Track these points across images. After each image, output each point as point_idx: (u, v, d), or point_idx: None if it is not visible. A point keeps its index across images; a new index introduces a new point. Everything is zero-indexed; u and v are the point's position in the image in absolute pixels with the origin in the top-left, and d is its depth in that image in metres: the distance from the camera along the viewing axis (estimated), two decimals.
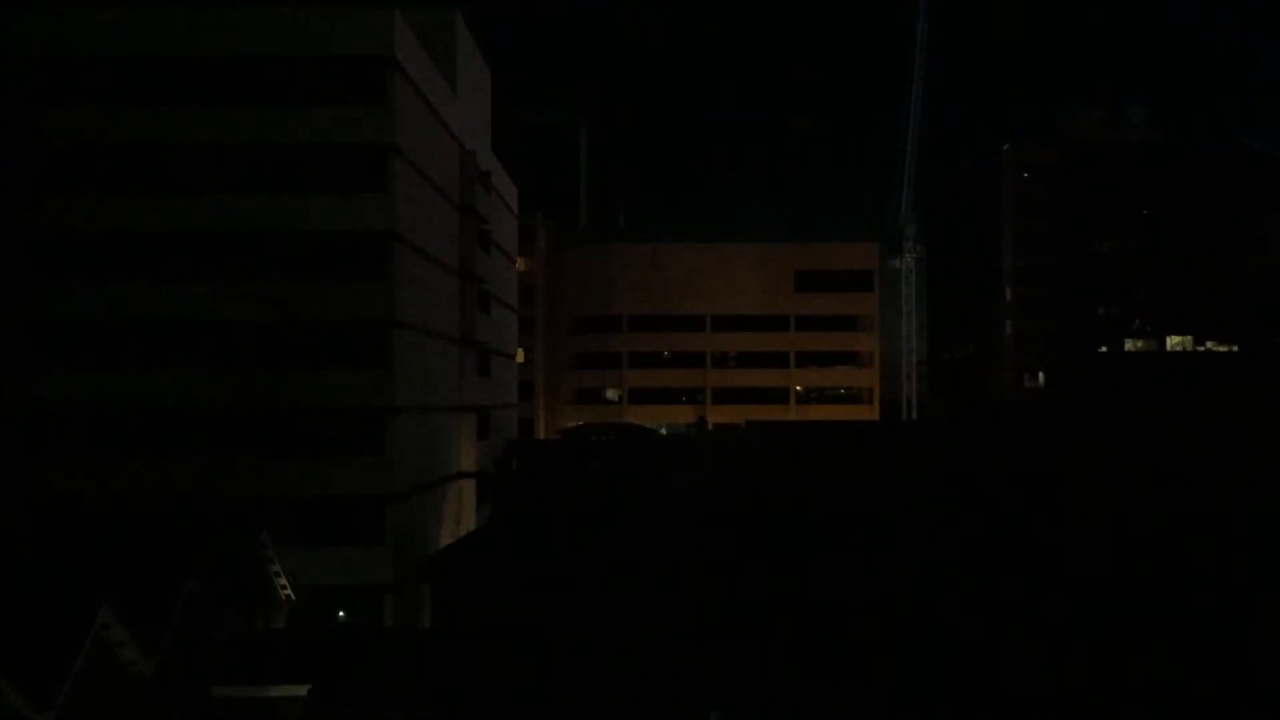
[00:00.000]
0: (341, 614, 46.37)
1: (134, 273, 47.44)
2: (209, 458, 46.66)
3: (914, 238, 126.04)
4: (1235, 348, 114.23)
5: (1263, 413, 36.31)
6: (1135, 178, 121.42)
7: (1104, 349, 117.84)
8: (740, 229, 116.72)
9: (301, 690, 31.80)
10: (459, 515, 61.66)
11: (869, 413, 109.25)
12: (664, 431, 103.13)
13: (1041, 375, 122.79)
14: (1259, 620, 28.68)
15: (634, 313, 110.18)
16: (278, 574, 38.86)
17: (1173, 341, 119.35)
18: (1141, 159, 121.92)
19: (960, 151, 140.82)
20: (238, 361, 47.24)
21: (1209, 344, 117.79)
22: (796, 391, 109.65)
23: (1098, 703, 28.38)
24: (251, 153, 47.59)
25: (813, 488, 38.86)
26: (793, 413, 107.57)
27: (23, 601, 26.01)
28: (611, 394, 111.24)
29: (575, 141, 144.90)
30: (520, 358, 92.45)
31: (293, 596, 39.75)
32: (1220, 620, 28.88)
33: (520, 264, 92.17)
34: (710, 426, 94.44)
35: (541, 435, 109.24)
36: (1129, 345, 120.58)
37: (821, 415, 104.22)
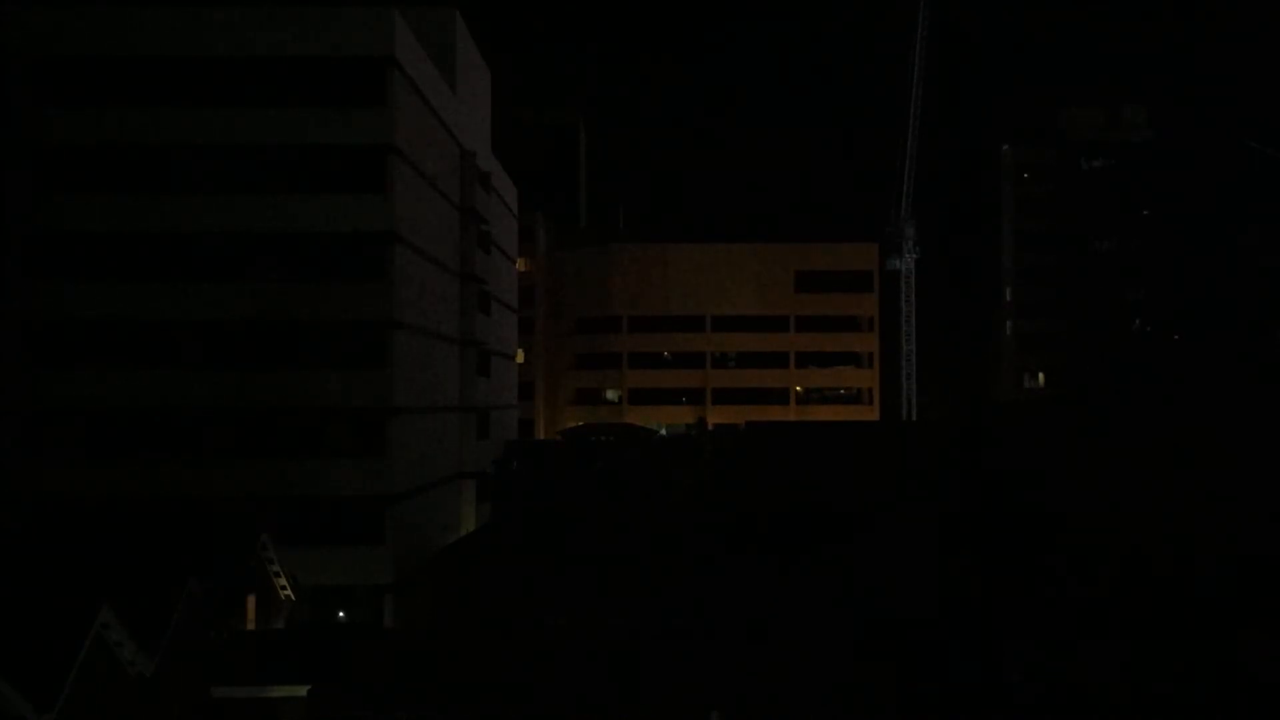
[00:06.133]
0: (341, 614, 46.37)
1: (134, 273, 47.44)
2: (209, 458, 46.66)
3: (913, 238, 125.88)
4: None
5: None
6: (1135, 178, 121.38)
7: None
8: (740, 229, 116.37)
9: (301, 690, 31.80)
10: (459, 515, 61.65)
11: (869, 413, 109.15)
12: (664, 432, 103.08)
13: (1041, 375, 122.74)
14: (1258, 621, 28.67)
15: (634, 313, 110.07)
16: (278, 574, 38.89)
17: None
18: (1141, 159, 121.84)
19: (960, 152, 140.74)
20: (238, 362, 47.23)
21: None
22: (796, 392, 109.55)
23: (1098, 703, 28.38)
24: (251, 153, 47.57)
25: (812, 487, 38.86)
26: (793, 413, 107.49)
27: (23, 601, 26.00)
28: (612, 395, 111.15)
29: (575, 141, 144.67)
30: (520, 358, 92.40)
31: (293, 597, 39.77)
32: (1221, 621, 28.88)
33: (520, 264, 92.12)
34: (710, 427, 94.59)
35: (541, 436, 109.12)
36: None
37: (821, 415, 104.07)
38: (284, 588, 39.31)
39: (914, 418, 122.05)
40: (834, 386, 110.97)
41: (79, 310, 47.12)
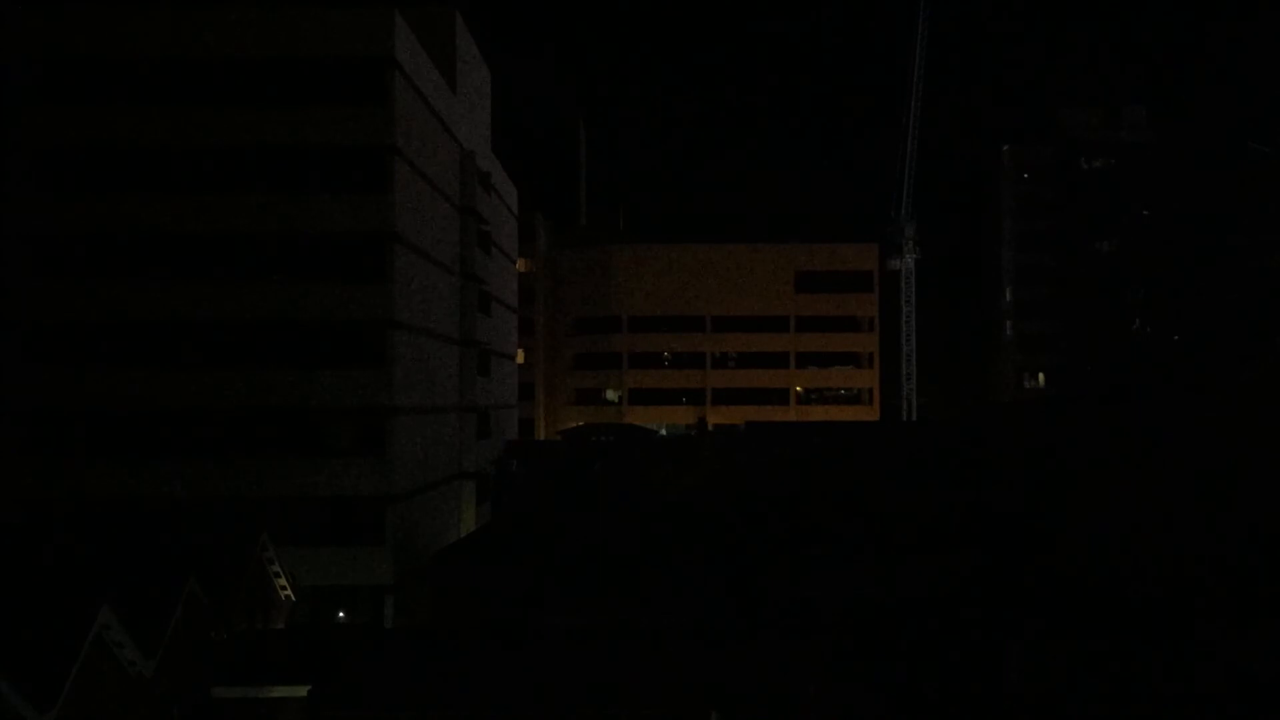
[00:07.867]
0: (341, 614, 46.38)
1: (134, 273, 47.46)
2: (209, 458, 46.66)
3: (913, 238, 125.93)
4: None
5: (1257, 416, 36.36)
6: (1135, 178, 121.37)
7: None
8: (740, 229, 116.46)
9: (301, 690, 31.76)
10: (459, 515, 61.65)
11: (869, 413, 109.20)
12: (664, 432, 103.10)
13: (1041, 375, 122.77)
14: (1259, 621, 28.69)
15: (634, 313, 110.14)
16: (278, 574, 38.88)
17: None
18: (1141, 159, 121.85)
19: (960, 151, 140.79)
20: (238, 362, 47.24)
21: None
22: (796, 392, 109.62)
23: (1098, 703, 28.38)
24: (251, 153, 47.59)
25: (813, 487, 38.88)
26: (793, 413, 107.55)
27: (23, 601, 26.00)
28: (612, 395, 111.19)
29: (575, 141, 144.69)
30: (520, 358, 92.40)
31: (293, 597, 39.76)
32: (1220, 621, 28.89)
33: (520, 264, 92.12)
34: (710, 427, 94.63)
35: (541, 436, 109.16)
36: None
37: (821, 416, 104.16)
38: (284, 588, 39.30)
39: (914, 418, 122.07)
40: (834, 386, 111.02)
41: (79, 310, 47.11)
